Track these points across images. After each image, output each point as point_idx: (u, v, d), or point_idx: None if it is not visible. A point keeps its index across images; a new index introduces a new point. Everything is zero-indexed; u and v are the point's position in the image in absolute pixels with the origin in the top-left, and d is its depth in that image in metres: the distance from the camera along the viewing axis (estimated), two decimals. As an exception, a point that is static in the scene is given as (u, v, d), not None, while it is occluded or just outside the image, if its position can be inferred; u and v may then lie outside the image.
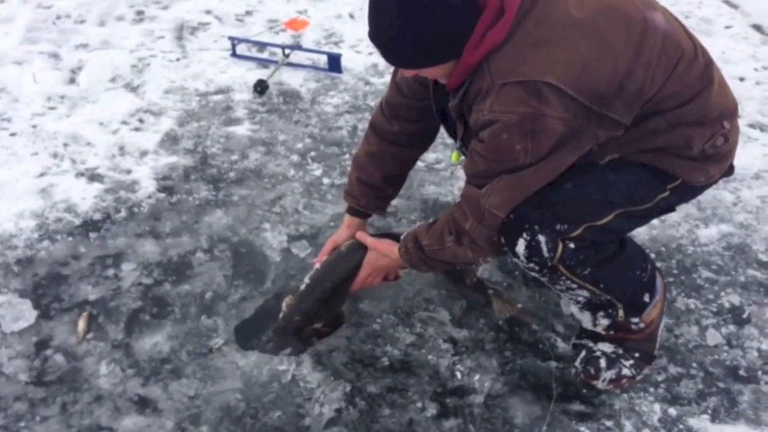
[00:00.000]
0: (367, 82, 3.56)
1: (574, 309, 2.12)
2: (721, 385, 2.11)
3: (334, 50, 3.79)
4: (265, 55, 3.83)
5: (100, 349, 2.19)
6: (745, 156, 3.03)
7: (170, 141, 3.15)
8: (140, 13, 4.27)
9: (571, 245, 1.81)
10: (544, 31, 1.62)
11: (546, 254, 1.81)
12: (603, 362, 2.07)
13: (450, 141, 2.98)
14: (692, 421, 2.00)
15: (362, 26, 3.90)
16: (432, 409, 2.03)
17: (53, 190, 2.83)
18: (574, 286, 1.91)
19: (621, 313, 2.04)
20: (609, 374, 2.06)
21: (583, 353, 2.12)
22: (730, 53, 3.77)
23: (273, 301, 2.35)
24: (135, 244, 2.58)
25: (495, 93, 1.64)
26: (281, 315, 2.21)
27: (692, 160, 1.80)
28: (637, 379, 2.09)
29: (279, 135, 3.18)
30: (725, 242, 2.62)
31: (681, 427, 1.99)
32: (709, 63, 1.80)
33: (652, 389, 2.09)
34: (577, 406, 2.05)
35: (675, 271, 2.48)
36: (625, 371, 2.07)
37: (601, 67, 1.61)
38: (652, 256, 2.53)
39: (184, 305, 2.34)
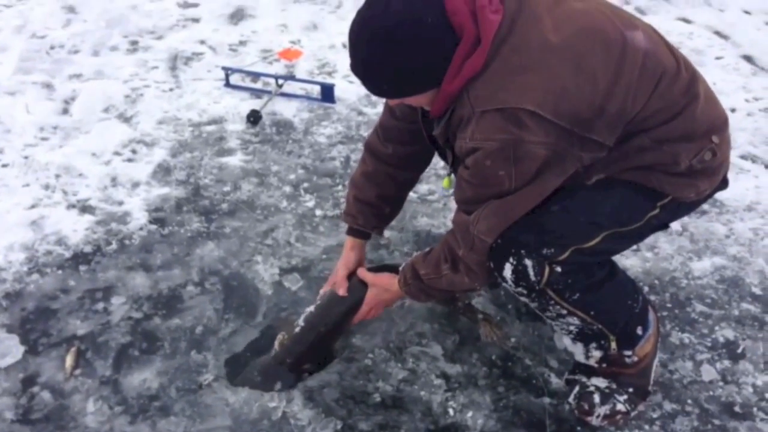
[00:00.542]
0: (360, 113, 3.57)
1: (567, 341, 2.11)
2: (717, 422, 2.08)
3: (328, 80, 3.81)
4: (258, 85, 3.84)
5: (88, 386, 2.16)
6: (737, 188, 3.04)
7: (162, 172, 3.14)
8: (134, 43, 4.28)
9: (558, 269, 1.82)
10: (522, 57, 1.63)
11: (533, 278, 1.82)
12: (597, 397, 2.05)
13: (443, 172, 3.00)
14: (688, 460, 1.98)
15: (355, 57, 3.94)
16: (424, 448, 2.00)
17: (44, 222, 2.81)
18: (564, 312, 1.91)
19: (614, 345, 2.02)
20: (603, 410, 2.04)
21: (577, 388, 2.10)
22: (721, 84, 3.79)
23: (265, 335, 2.32)
24: (125, 277, 2.56)
25: (476, 121, 1.66)
26: (273, 353, 2.19)
27: (680, 176, 1.79)
28: (631, 415, 2.07)
29: (272, 166, 3.17)
30: (719, 275, 2.61)
31: (676, 465, 1.97)
32: (693, 78, 1.79)
33: (647, 426, 2.06)
34: (571, 444, 2.03)
35: (669, 305, 2.47)
36: (620, 406, 2.04)
37: (580, 91, 1.62)
38: (645, 289, 2.53)
39: (174, 340, 2.31)
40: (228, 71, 3.76)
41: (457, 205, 1.87)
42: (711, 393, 2.17)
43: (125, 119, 3.53)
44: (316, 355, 2.20)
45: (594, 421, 2.05)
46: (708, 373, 2.22)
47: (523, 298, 1.91)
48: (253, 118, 3.43)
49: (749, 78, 3.94)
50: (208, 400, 2.12)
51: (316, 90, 3.69)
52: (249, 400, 2.11)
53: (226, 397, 2.12)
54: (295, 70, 3.87)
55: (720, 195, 2.98)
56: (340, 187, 3.03)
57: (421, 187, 2.99)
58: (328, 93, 3.60)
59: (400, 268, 2.09)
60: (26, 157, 3.19)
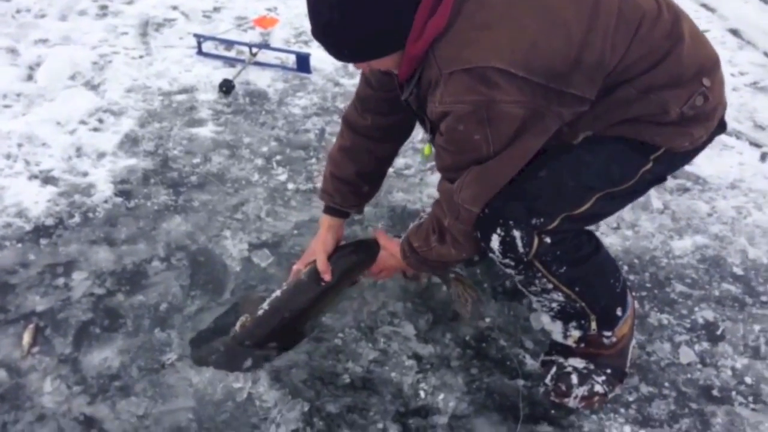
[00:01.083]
0: (337, 83, 3.46)
1: (545, 318, 2.04)
2: (694, 406, 2.03)
3: (304, 49, 3.69)
4: (232, 54, 3.72)
5: (46, 364, 2.07)
6: (721, 165, 2.99)
7: (130, 142, 3.03)
8: (104, 7, 4.14)
9: (548, 239, 1.75)
10: (486, 12, 1.55)
11: (521, 249, 1.75)
12: (574, 378, 1.99)
13: (420, 145, 2.92)
14: (664, 445, 1.93)
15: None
16: (393, 431, 1.93)
17: (4, 194, 2.70)
18: (550, 286, 1.84)
19: (594, 325, 1.96)
20: (580, 391, 1.98)
21: (554, 369, 2.04)
22: (707, 59, 3.71)
23: (232, 312, 2.24)
24: (88, 251, 2.46)
25: (443, 83, 1.58)
26: (232, 334, 2.11)
27: (672, 125, 1.71)
28: (608, 397, 2.01)
29: (244, 137, 3.07)
30: (700, 254, 2.56)
31: (652, 450, 1.92)
32: (676, 19, 1.69)
33: (622, 410, 2.01)
34: (545, 428, 1.96)
35: (648, 285, 2.41)
36: (598, 388, 1.99)
37: (552, 44, 1.54)
38: (625, 268, 2.47)
39: (137, 317, 2.22)
40: (200, 39, 3.63)
41: (440, 173, 1.81)
42: (689, 376, 2.12)
43: (92, 87, 3.41)
44: (280, 338, 2.11)
45: (571, 402, 1.99)
46: (686, 355, 2.17)
47: (509, 270, 1.84)
48: (226, 87, 3.32)
49: (735, 52, 3.87)
50: (170, 380, 2.04)
51: (291, 59, 3.58)
52: (213, 380, 2.03)
53: (190, 378, 2.04)
54: (270, 39, 3.77)
55: (702, 172, 2.95)
56: (313, 161, 2.94)
57: (398, 161, 2.89)
58: (303, 63, 3.49)
59: (401, 239, 2.03)
60: (-13, 126, 3.06)
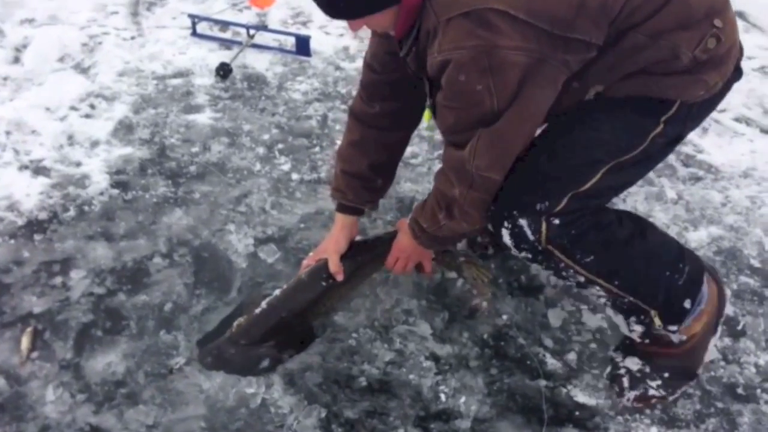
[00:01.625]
0: (338, 67, 3.35)
1: (609, 311, 1.98)
2: (720, 405, 1.98)
3: (302, 31, 3.57)
4: (227, 35, 3.59)
5: (47, 371, 1.97)
6: (732, 153, 2.93)
7: (124, 130, 2.90)
8: (91, -15, 3.97)
9: (556, 221, 1.66)
10: None
11: (531, 237, 1.68)
12: (625, 381, 1.95)
13: (426, 133, 2.82)
14: (692, 447, 1.88)
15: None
16: (415, 436, 1.87)
17: (-7, 185, 2.58)
18: (582, 279, 1.75)
19: (657, 321, 1.86)
20: (632, 394, 1.94)
21: (609, 368, 2.00)
22: (713, 41, 3.64)
23: (238, 313, 2.14)
24: (85, 247, 2.35)
25: (442, 30, 1.51)
26: (228, 334, 2.03)
27: (685, 73, 1.62)
28: (670, 399, 1.95)
29: (243, 124, 2.96)
30: (715, 246, 2.50)
31: (680, 453, 1.87)
32: None
33: (648, 411, 1.95)
34: (570, 430, 1.90)
35: (666, 279, 2.35)
36: (652, 392, 1.93)
37: None
38: (642, 261, 2.40)
39: (141, 318, 2.13)
40: (195, 19, 3.49)
41: (444, 137, 1.72)
42: (712, 374, 2.06)
43: (82, 70, 3.28)
44: (278, 338, 2.03)
45: (625, 402, 1.94)
46: (709, 352, 2.11)
47: (536, 264, 1.78)
48: (223, 71, 3.20)
49: (742, 35, 3.72)
50: (179, 386, 1.95)
51: (290, 42, 3.46)
52: (225, 385, 1.94)
53: (200, 383, 1.95)
54: (267, 20, 3.63)
55: (714, 160, 2.89)
56: (317, 149, 2.84)
57: (404, 150, 2.80)
58: (303, 45, 3.37)
59: (407, 222, 1.96)
60: (-28, 112, 2.93)
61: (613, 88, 1.65)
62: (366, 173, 2.06)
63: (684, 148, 2.94)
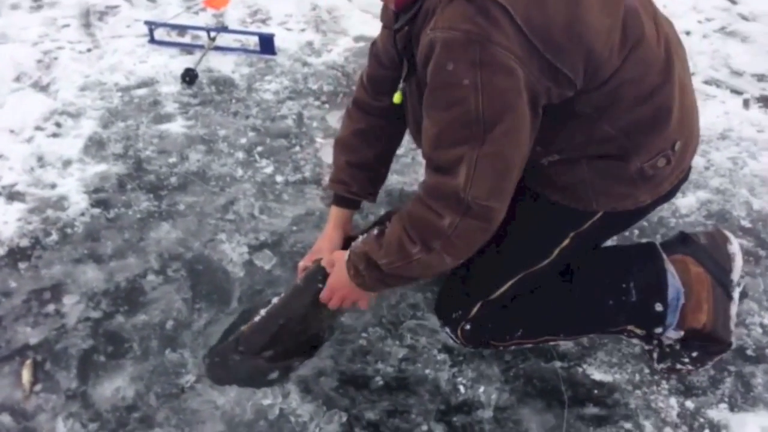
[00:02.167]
0: (305, 63, 3.28)
1: None
2: (732, 368, 2.01)
3: (262, 29, 3.49)
4: (186, 40, 3.48)
5: (53, 403, 1.90)
6: (708, 116, 2.95)
7: (96, 146, 2.81)
8: (37, -1, 3.83)
9: (468, 326, 1.90)
10: None
11: (456, 342, 1.97)
12: (655, 354, 1.97)
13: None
14: (712, 413, 1.90)
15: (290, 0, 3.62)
16: (440, 431, 1.85)
17: (-34, 216, 2.47)
18: (529, 345, 1.98)
19: (639, 331, 1.94)
20: (660, 366, 1.97)
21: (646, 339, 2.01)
22: (672, 7, 3.65)
23: (240, 322, 2.09)
24: (74, 271, 2.27)
25: (441, 9, 1.44)
26: (231, 346, 1.99)
27: (623, 182, 1.66)
28: (700, 370, 1.98)
29: (218, 130, 2.88)
30: (705, 210, 2.53)
31: (701, 420, 1.88)
32: (669, 58, 1.61)
33: (664, 382, 1.97)
34: (591, 409, 1.91)
35: (662, 248, 2.37)
36: (679, 366, 1.95)
37: (558, 6, 1.42)
38: (635, 232, 2.42)
39: (143, 339, 2.06)
40: (152, 26, 3.39)
41: (426, 159, 1.58)
42: (720, 337, 2.09)
43: (41, 88, 3.15)
44: (278, 347, 1.98)
45: (658, 370, 1.99)
46: (733, 318, 2.12)
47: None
48: (189, 77, 3.11)
49: None
50: (193, 404, 1.90)
51: (252, 41, 3.38)
52: (240, 399, 1.90)
53: (214, 399, 1.91)
54: (225, 20, 3.56)
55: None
56: (297, 148, 2.79)
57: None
58: (267, 44, 3.29)
59: (346, 256, 1.79)
60: (-68, 142, 2.79)
61: (558, 170, 1.68)
62: (373, 163, 2.02)
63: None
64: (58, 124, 2.92)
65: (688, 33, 3.48)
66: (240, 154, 2.75)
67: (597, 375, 1.99)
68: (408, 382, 1.96)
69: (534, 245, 1.78)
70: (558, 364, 2.01)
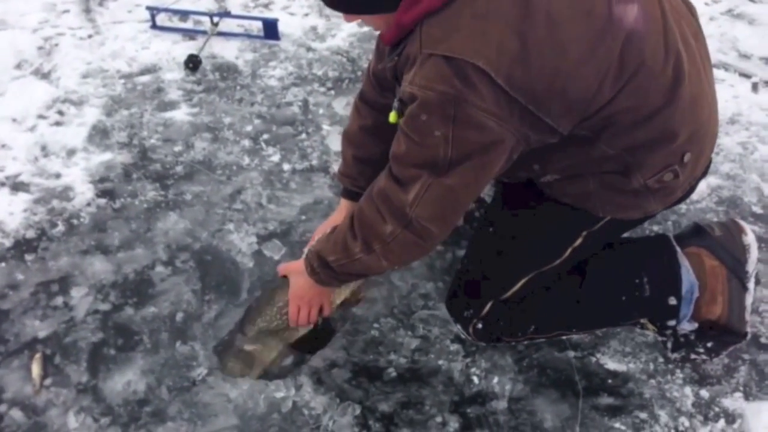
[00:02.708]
0: (309, 48, 3.25)
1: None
2: (746, 357, 2.00)
3: (265, 13, 3.45)
4: (188, 25, 3.44)
5: (64, 397, 1.89)
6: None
7: (100, 135, 2.78)
8: (36, -16, 3.76)
9: (480, 325, 1.89)
10: (490, 2, 1.40)
11: (468, 338, 1.95)
12: (669, 344, 1.97)
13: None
14: (726, 402, 1.88)
15: (293, -16, 3.57)
16: (454, 423, 1.84)
17: (-30, 207, 2.44)
18: (542, 340, 1.96)
19: (651, 326, 1.94)
20: (674, 356, 1.97)
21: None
22: (679, -11, 3.63)
23: (250, 311, 2.07)
24: (82, 263, 2.25)
25: (419, 63, 1.44)
26: (239, 336, 1.98)
27: (628, 194, 1.65)
28: (714, 360, 1.97)
29: (223, 117, 2.85)
30: (716, 196, 2.51)
31: (717, 409, 1.87)
32: (678, 77, 1.54)
33: (678, 371, 1.96)
34: (606, 399, 1.90)
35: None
36: (693, 356, 1.95)
37: (543, 61, 1.40)
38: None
39: (153, 332, 2.05)
40: (154, 11, 3.34)
41: (391, 160, 1.59)
42: (734, 326, 2.08)
43: (43, 75, 3.11)
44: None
45: (672, 359, 1.98)
46: (748, 309, 2.10)
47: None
48: (192, 63, 3.07)
49: None
50: (206, 397, 1.89)
51: (256, 26, 3.33)
52: (252, 392, 1.89)
53: (226, 392, 1.89)
54: (228, 5, 3.51)
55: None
56: (303, 136, 2.76)
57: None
58: (271, 29, 3.25)
59: (304, 254, 1.84)
60: (-66, 131, 2.76)
61: (562, 184, 1.69)
62: (380, 159, 1.98)
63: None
64: (60, 113, 2.88)
65: (695, 15, 3.44)
66: (246, 142, 2.73)
67: (611, 364, 1.97)
68: (421, 373, 1.95)
69: (547, 245, 1.80)
70: (571, 353, 2.00)
